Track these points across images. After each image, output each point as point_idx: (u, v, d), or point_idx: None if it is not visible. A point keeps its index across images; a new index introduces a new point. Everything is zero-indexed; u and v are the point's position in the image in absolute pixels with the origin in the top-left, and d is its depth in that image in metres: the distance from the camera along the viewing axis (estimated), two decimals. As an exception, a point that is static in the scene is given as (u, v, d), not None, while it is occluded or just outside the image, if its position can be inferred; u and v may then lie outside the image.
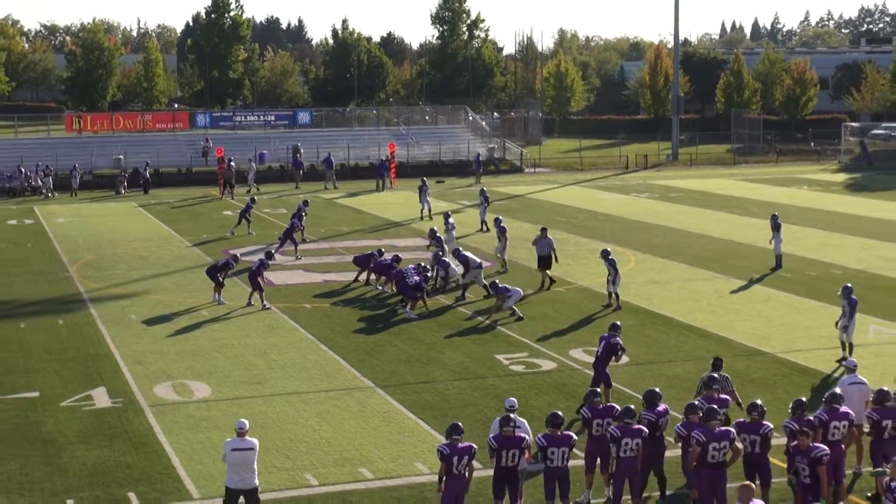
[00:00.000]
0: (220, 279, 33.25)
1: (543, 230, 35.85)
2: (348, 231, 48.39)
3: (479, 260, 34.21)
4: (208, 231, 48.40)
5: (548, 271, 34.99)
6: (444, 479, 15.85)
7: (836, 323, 26.21)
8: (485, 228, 47.09)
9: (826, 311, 31.22)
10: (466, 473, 15.94)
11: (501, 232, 38.53)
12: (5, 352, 27.49)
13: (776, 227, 37.99)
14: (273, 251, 36.12)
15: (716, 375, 18.52)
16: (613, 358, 22.60)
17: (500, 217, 41.41)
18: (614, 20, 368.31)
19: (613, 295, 32.08)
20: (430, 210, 52.03)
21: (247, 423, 16.60)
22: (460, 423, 16.33)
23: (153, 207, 58.20)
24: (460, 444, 15.90)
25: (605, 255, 32.56)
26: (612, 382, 22.50)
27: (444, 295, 33.60)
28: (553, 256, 35.11)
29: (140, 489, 18.38)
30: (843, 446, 17.17)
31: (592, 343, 27.52)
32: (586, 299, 33.12)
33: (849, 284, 26.79)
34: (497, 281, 31.61)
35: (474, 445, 16.17)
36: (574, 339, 28.25)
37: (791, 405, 17.33)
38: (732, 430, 16.59)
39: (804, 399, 17.61)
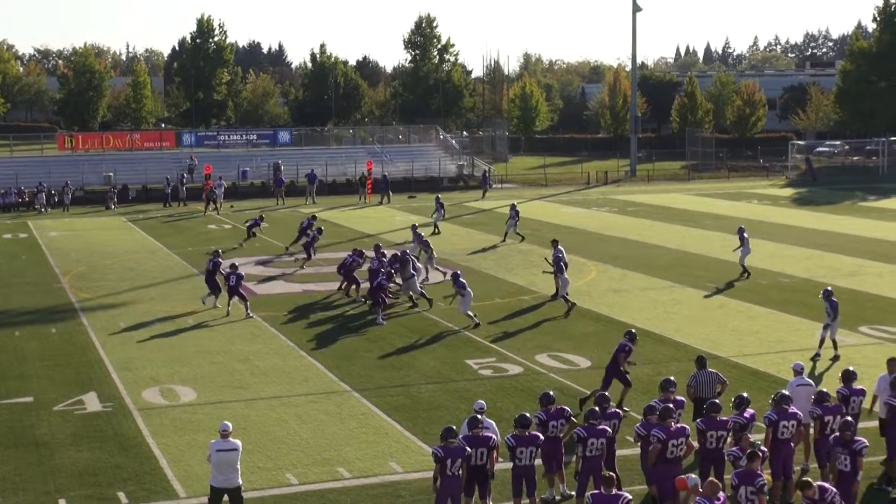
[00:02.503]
0: (217, 286, 33.02)
1: (554, 242, 35.73)
2: (326, 243, 48.25)
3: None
4: (193, 244, 48.15)
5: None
6: (439, 479, 15.74)
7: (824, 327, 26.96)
8: (506, 241, 47.57)
9: (775, 317, 31.39)
10: (460, 474, 15.85)
11: (418, 239, 38.81)
12: (1, 359, 27.26)
13: (742, 240, 38.13)
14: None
15: (671, 378, 18.56)
16: (624, 357, 22.41)
17: (416, 224, 40.94)
18: (576, 45, 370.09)
19: (563, 298, 32.45)
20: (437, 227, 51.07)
21: (230, 425, 16.52)
22: (454, 427, 16.20)
23: (141, 222, 57.91)
24: (454, 447, 15.75)
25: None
26: (630, 381, 22.42)
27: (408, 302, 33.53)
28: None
29: (129, 489, 18.25)
30: (791, 445, 17.25)
31: (557, 349, 27.67)
32: (550, 307, 33.10)
33: (828, 288, 27.51)
34: (459, 272, 31.64)
35: (467, 448, 15.97)
36: (539, 345, 28.23)
37: (734, 401, 17.61)
38: (687, 427, 16.67)
39: (745, 394, 17.92)
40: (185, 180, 68.88)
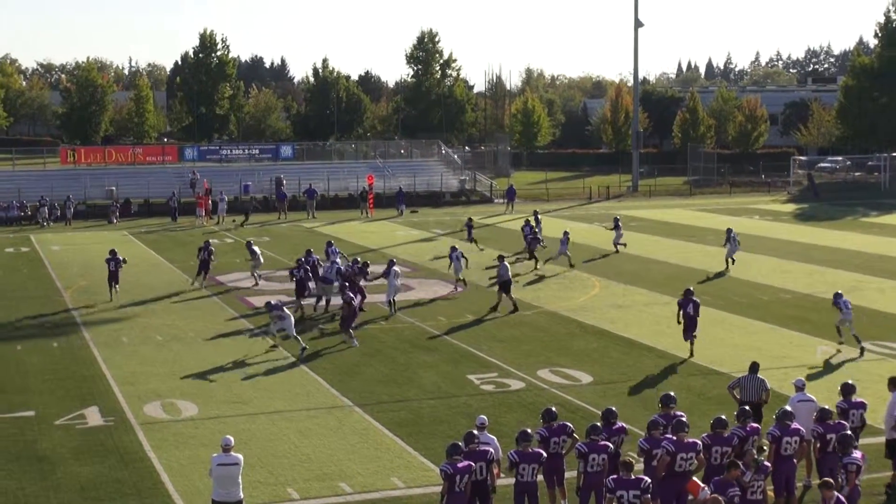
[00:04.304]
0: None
1: (500, 257, 35.91)
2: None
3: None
4: (195, 258, 47.88)
5: (510, 295, 34.88)
6: (446, 496, 15.69)
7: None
8: (618, 250, 49.26)
9: (776, 332, 31.38)
10: (467, 491, 15.81)
11: (564, 244, 43.86)
12: (2, 373, 27.25)
13: (729, 238, 42.83)
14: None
15: (672, 394, 18.51)
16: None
17: (567, 230, 45.47)
18: (578, 60, 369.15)
19: (461, 281, 37.79)
20: (541, 241, 47.60)
21: (232, 439, 16.54)
22: (460, 443, 16.18)
23: (143, 235, 57.93)
24: (460, 463, 15.75)
25: (452, 250, 38.49)
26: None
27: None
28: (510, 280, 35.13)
29: (130, 503, 18.24)
30: (794, 461, 17.24)
31: (559, 364, 27.64)
32: (553, 322, 33.15)
33: (838, 291, 29.80)
34: (394, 260, 35.17)
35: (472, 463, 15.93)
36: (542, 360, 28.21)
37: (735, 414, 17.82)
38: (699, 441, 16.63)
39: (747, 407, 18.30)
40: (212, 193, 68.51)
